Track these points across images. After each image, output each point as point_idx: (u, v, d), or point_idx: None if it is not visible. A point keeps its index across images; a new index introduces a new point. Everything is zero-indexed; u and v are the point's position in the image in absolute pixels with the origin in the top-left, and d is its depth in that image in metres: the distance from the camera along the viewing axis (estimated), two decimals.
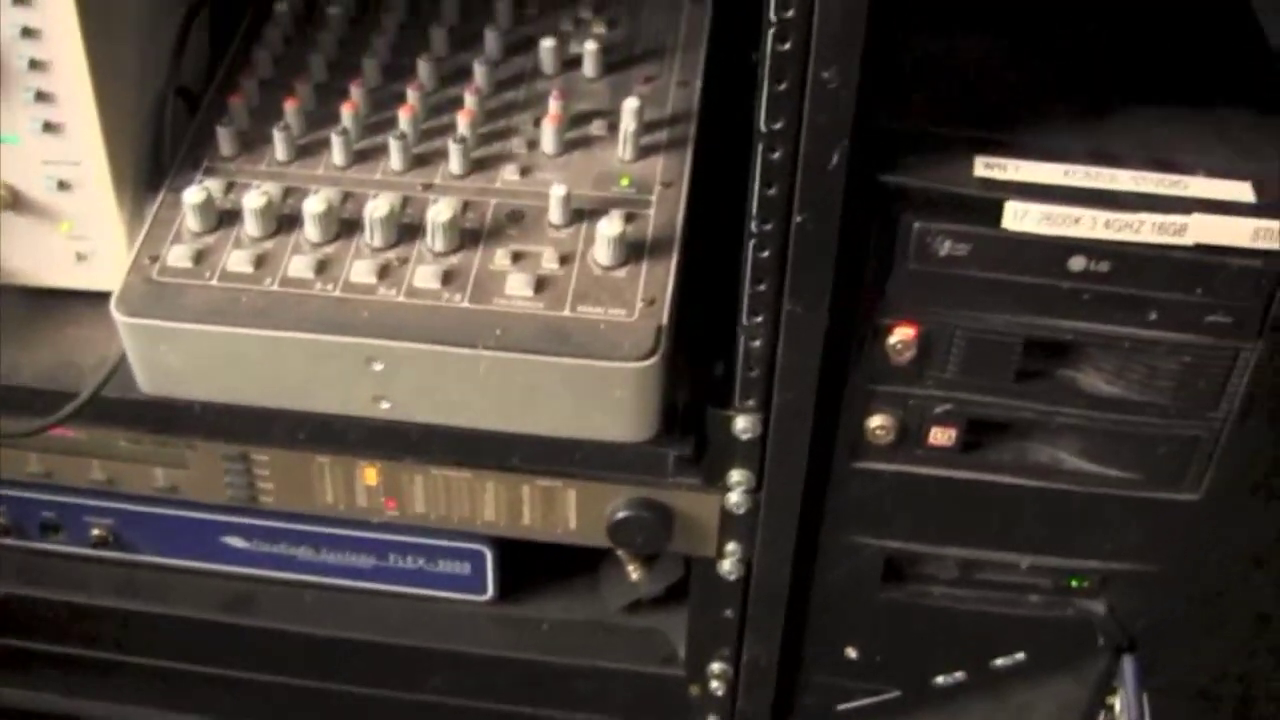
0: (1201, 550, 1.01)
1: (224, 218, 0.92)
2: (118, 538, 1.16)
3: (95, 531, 1.15)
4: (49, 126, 0.92)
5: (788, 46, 0.78)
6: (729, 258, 0.90)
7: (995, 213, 0.84)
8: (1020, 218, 0.83)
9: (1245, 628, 1.08)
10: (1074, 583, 1.05)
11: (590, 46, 1.00)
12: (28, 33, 0.88)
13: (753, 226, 0.86)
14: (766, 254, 0.86)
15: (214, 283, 0.88)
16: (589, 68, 1.01)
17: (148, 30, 0.97)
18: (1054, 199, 0.83)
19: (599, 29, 1.04)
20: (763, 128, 0.81)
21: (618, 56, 1.02)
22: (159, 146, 0.98)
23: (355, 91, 0.98)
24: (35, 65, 0.89)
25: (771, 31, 0.78)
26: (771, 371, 0.92)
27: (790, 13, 0.76)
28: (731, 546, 1.03)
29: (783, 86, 0.79)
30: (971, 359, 0.91)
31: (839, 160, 0.80)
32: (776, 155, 0.82)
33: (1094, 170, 0.85)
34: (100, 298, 0.91)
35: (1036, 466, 0.98)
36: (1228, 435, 0.93)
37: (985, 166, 0.85)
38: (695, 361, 0.97)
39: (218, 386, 0.91)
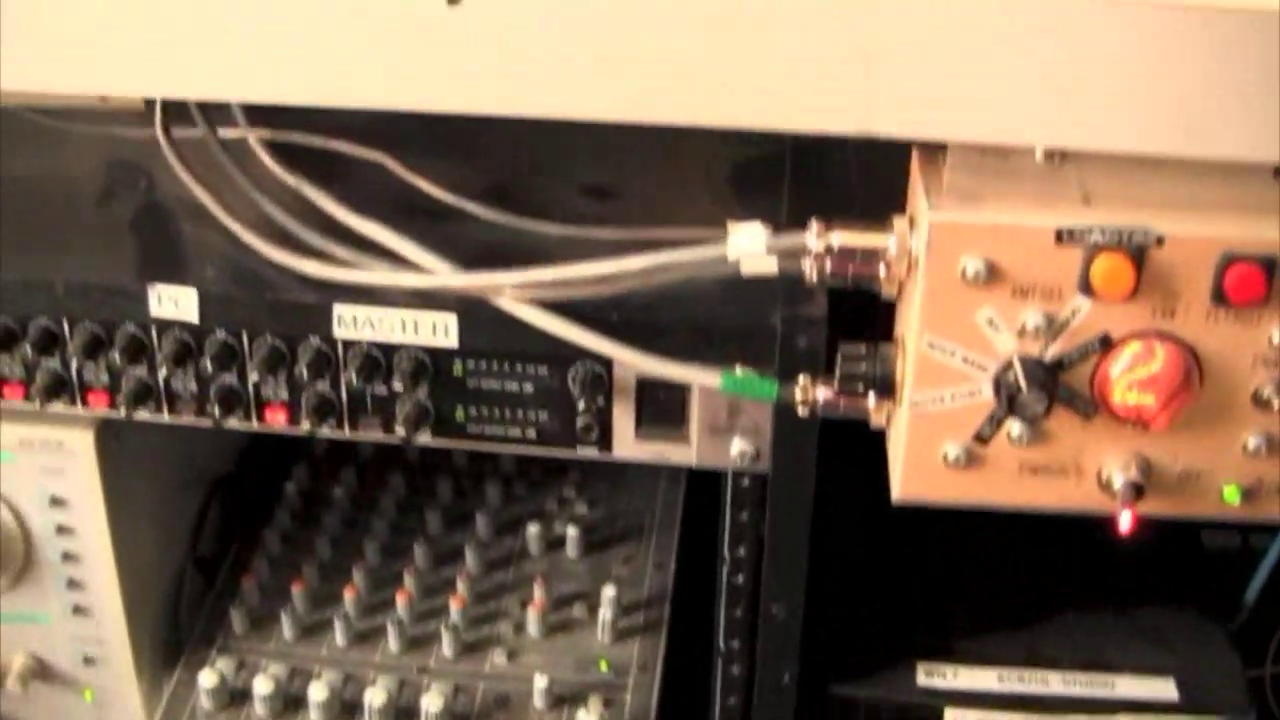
0: None
1: (235, 696, 0.99)
2: None
3: None
4: (78, 609, 1.00)
5: (740, 580, 0.86)
6: None
7: (937, 718, 0.90)
8: None
9: None
10: None
11: (572, 531, 1.08)
12: (61, 530, 0.97)
13: None
14: None
15: None
16: (571, 549, 1.09)
17: (168, 511, 1.06)
18: (990, 705, 0.90)
19: (580, 509, 1.13)
20: (721, 646, 0.89)
21: (598, 536, 1.11)
22: (176, 617, 1.06)
23: (356, 574, 1.06)
24: (68, 558, 0.98)
25: (725, 567, 0.86)
26: None
27: (742, 551, 0.85)
28: None
29: (738, 613, 0.88)
30: None
31: (789, 680, 0.88)
32: (735, 670, 0.90)
33: (1027, 673, 0.92)
34: None
35: None
36: None
37: (926, 674, 0.92)
38: None
39: None
